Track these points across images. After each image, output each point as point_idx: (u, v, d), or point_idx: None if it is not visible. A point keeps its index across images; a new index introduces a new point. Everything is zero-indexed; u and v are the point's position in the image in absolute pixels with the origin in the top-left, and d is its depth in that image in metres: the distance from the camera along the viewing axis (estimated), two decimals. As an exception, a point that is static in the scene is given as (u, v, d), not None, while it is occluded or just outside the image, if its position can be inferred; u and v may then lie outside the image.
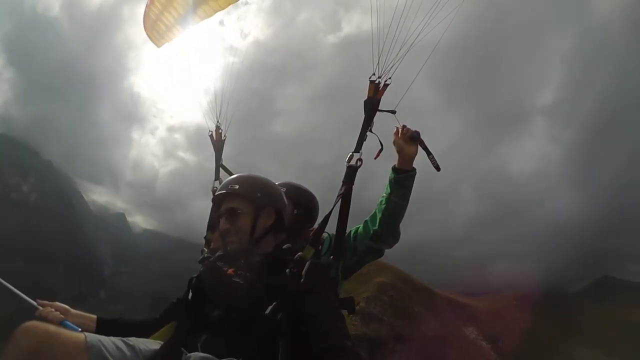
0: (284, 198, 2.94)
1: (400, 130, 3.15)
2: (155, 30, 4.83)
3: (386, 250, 3.23)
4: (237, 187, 2.78)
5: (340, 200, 2.87)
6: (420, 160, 3.14)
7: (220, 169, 4.10)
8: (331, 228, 2.95)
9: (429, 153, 3.11)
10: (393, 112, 3.09)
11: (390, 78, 3.04)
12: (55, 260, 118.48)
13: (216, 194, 2.91)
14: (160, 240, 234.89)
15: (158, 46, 4.94)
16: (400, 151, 3.11)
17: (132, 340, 2.45)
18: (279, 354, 2.24)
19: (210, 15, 4.52)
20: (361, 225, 3.23)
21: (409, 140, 3.09)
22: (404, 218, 3.11)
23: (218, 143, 4.15)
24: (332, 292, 2.57)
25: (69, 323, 2.73)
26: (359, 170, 2.99)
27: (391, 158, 3.16)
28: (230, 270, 2.62)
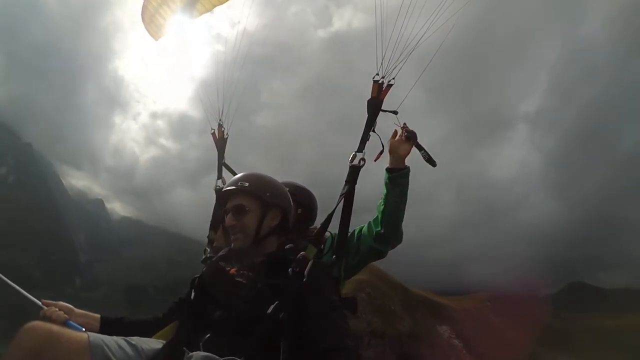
0: (291, 199, 2.95)
1: (401, 130, 3.17)
2: (154, 24, 4.81)
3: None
4: (247, 184, 2.78)
5: (342, 200, 2.85)
6: (408, 159, 3.19)
7: (223, 167, 4.05)
8: (332, 227, 2.96)
9: (423, 150, 3.15)
10: (395, 112, 3.10)
11: (393, 79, 3.03)
12: (30, 245, 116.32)
13: (224, 189, 2.89)
14: (138, 228, 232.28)
15: (156, 39, 4.92)
16: (393, 151, 3.13)
17: (135, 339, 2.46)
18: (280, 354, 2.26)
19: (208, 10, 4.53)
20: (365, 226, 3.25)
21: (404, 140, 3.13)
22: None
23: (220, 141, 4.05)
24: (334, 292, 2.59)
25: (72, 323, 2.75)
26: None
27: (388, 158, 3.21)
28: (232, 270, 2.64)
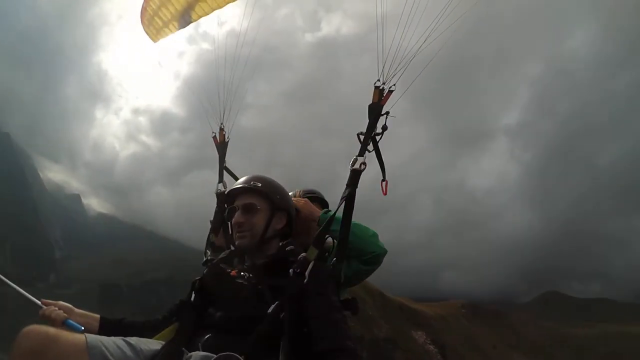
0: (294, 206, 3.04)
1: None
2: (152, 26, 4.74)
3: None
4: (259, 184, 2.81)
5: (344, 203, 2.82)
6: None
7: (224, 171, 3.98)
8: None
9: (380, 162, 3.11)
10: (387, 112, 3.08)
11: (394, 85, 3.04)
12: (4, 239, 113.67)
13: (236, 186, 2.91)
14: (114, 225, 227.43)
15: (154, 41, 4.86)
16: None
17: (134, 340, 2.44)
18: (280, 354, 2.26)
19: (207, 13, 4.46)
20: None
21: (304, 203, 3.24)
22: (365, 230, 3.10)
23: (221, 145, 4.00)
24: (335, 293, 2.58)
25: (72, 322, 2.72)
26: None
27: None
28: (233, 272, 2.68)
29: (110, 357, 2.20)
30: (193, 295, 2.74)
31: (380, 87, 3.05)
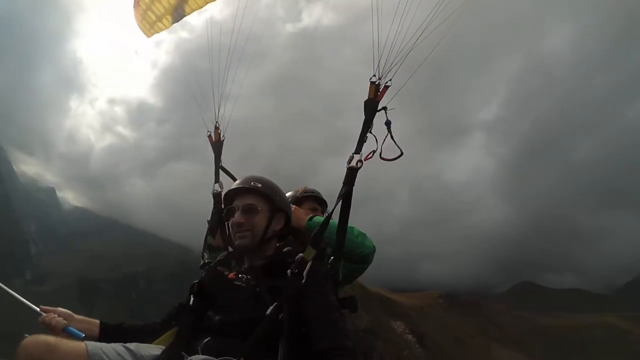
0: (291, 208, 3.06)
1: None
2: (145, 20, 4.68)
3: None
4: (260, 185, 2.81)
5: (341, 201, 2.81)
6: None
7: (220, 171, 3.95)
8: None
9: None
10: (390, 108, 3.06)
11: (390, 80, 3.00)
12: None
13: (235, 187, 2.89)
14: (90, 219, 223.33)
15: (148, 36, 4.82)
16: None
17: (133, 345, 2.44)
18: (279, 354, 2.26)
19: (201, 6, 4.42)
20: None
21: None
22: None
23: (217, 144, 3.96)
24: (333, 293, 2.59)
25: (72, 329, 2.69)
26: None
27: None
28: (231, 274, 2.69)
29: None
30: (192, 298, 2.71)
31: (376, 83, 3.01)
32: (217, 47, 4.00)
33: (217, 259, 2.98)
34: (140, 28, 4.77)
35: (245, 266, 2.79)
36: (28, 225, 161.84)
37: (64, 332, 2.65)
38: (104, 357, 2.23)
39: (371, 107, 2.99)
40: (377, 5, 3.09)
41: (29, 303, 2.85)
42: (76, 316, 2.83)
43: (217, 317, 2.53)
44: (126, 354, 2.34)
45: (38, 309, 2.78)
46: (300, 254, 2.58)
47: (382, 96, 3.01)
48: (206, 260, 3.30)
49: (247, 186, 2.82)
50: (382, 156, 3.01)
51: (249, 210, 2.76)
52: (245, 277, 2.64)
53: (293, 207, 3.26)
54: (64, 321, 2.72)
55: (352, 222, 2.92)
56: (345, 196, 2.81)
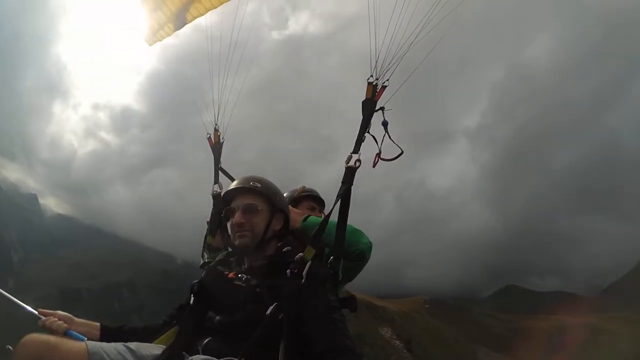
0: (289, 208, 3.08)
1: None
2: (148, 29, 4.73)
3: None
4: (259, 185, 2.82)
5: (340, 201, 2.81)
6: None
7: (220, 172, 3.96)
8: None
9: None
10: (382, 108, 3.07)
11: (387, 80, 3.02)
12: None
13: (235, 187, 2.90)
14: (73, 226, 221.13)
15: (150, 44, 4.86)
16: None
17: (134, 345, 2.46)
18: (279, 355, 2.27)
19: (202, 14, 4.44)
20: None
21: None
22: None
23: (216, 146, 3.99)
24: (333, 292, 2.57)
25: (73, 332, 2.69)
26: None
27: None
28: (231, 274, 2.69)
29: None
30: (192, 298, 2.71)
31: (374, 83, 3.03)
32: (217, 51, 4.02)
33: (217, 258, 2.99)
34: (143, 37, 4.82)
35: (245, 266, 2.78)
36: (9, 232, 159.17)
37: (66, 336, 2.63)
38: (105, 356, 2.25)
39: (369, 107, 3.01)
40: (374, 5, 3.11)
41: (27, 307, 2.82)
42: (77, 319, 2.83)
43: (217, 317, 2.54)
44: (127, 354, 2.36)
45: (36, 312, 2.76)
46: (300, 254, 2.59)
47: (380, 96, 3.03)
48: (206, 260, 3.34)
49: (246, 186, 2.83)
50: (383, 157, 3.02)
51: (249, 210, 2.77)
52: (245, 277, 2.64)
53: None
54: (65, 324, 2.71)
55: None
56: (344, 195, 2.82)
